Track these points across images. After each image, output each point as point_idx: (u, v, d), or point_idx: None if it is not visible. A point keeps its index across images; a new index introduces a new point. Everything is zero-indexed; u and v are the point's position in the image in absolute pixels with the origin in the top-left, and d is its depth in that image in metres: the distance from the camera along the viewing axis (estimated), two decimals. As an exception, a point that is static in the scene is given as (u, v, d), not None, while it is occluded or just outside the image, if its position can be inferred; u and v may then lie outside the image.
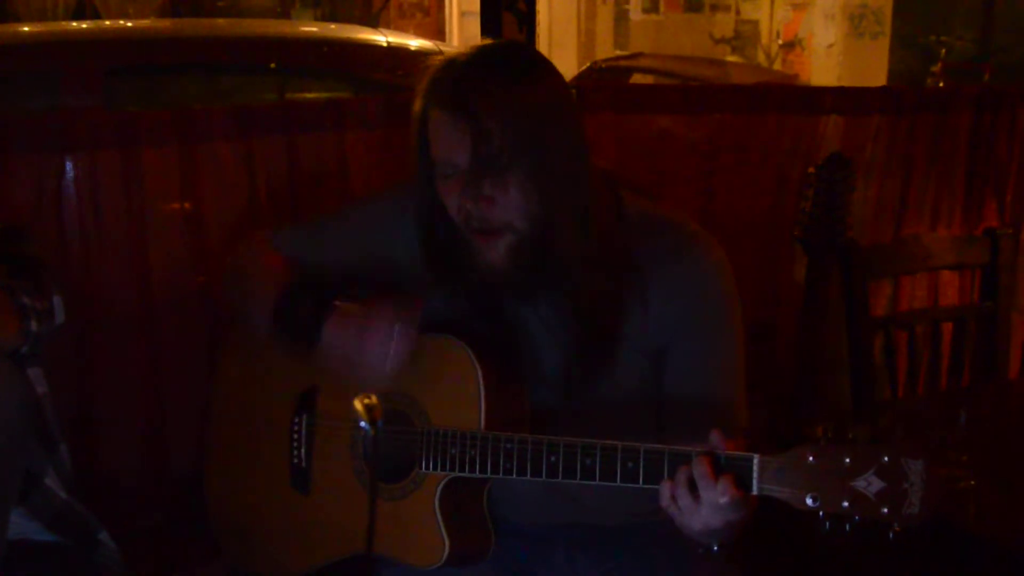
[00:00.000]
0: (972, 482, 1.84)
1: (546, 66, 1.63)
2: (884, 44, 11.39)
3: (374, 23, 10.94)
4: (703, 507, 1.44)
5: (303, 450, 1.82)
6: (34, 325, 1.68)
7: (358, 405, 1.53)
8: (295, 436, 1.83)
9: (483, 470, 1.60)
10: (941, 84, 9.02)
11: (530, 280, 1.62)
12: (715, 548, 1.54)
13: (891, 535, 1.36)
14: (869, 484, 1.35)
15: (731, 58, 11.73)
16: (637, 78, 6.92)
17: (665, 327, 1.66)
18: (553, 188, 1.57)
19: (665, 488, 1.47)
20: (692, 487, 1.44)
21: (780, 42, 12.54)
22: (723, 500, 1.41)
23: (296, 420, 1.83)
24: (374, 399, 1.54)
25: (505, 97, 1.53)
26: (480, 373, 1.62)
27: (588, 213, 1.61)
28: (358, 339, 1.63)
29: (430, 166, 1.62)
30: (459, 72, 1.57)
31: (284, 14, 11.68)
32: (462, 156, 1.55)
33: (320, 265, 1.83)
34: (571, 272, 1.62)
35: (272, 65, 4.03)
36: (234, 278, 1.91)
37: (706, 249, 1.69)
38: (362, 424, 1.55)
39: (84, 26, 6.07)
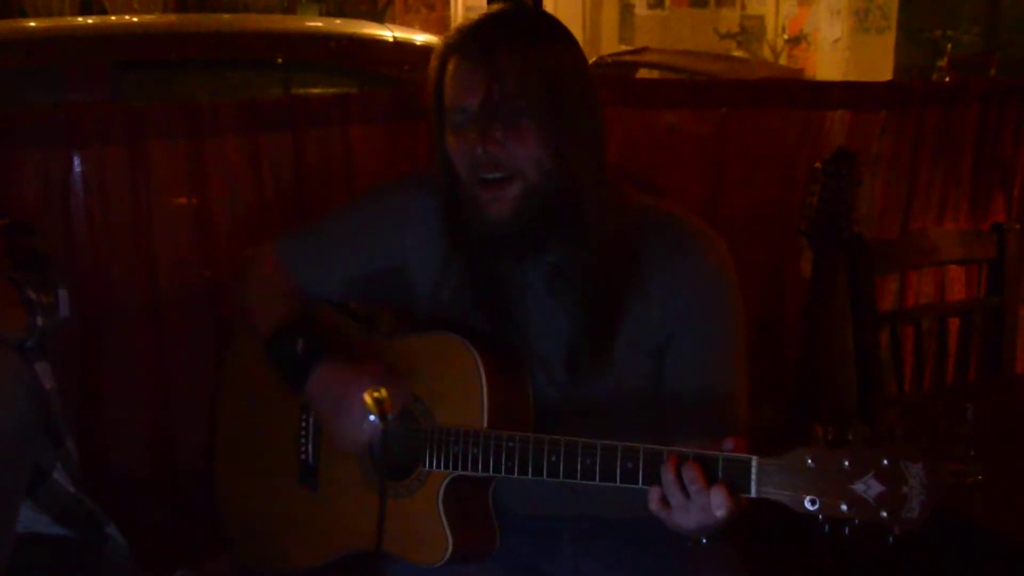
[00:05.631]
0: (979, 477, 1.83)
1: (567, 33, 1.64)
2: (890, 39, 11.40)
3: (380, 18, 10.94)
4: (694, 508, 1.43)
5: (311, 447, 1.82)
6: (40, 320, 1.69)
7: (368, 399, 1.53)
8: (303, 432, 1.82)
9: (485, 468, 1.60)
10: (947, 79, 8.99)
11: (535, 236, 1.60)
12: (703, 541, 1.52)
13: (890, 539, 1.34)
14: (868, 487, 1.34)
15: (737, 53, 11.72)
16: (643, 73, 6.90)
17: (666, 323, 1.65)
18: (569, 142, 1.56)
19: (654, 491, 1.46)
20: (683, 489, 1.43)
21: (785, 37, 12.55)
22: (719, 513, 1.40)
23: (304, 416, 1.83)
24: (384, 392, 1.53)
25: (523, 45, 1.54)
26: (483, 371, 1.61)
27: (604, 173, 1.61)
28: (334, 410, 1.63)
29: (443, 120, 1.61)
30: (479, 24, 1.59)
31: (290, 9, 11.68)
32: (474, 98, 1.54)
33: (323, 272, 1.82)
34: (584, 230, 1.60)
35: (278, 60, 4.03)
36: (238, 294, 1.89)
37: (708, 245, 1.67)
38: (372, 418, 1.55)
39: (90, 21, 6.07)
